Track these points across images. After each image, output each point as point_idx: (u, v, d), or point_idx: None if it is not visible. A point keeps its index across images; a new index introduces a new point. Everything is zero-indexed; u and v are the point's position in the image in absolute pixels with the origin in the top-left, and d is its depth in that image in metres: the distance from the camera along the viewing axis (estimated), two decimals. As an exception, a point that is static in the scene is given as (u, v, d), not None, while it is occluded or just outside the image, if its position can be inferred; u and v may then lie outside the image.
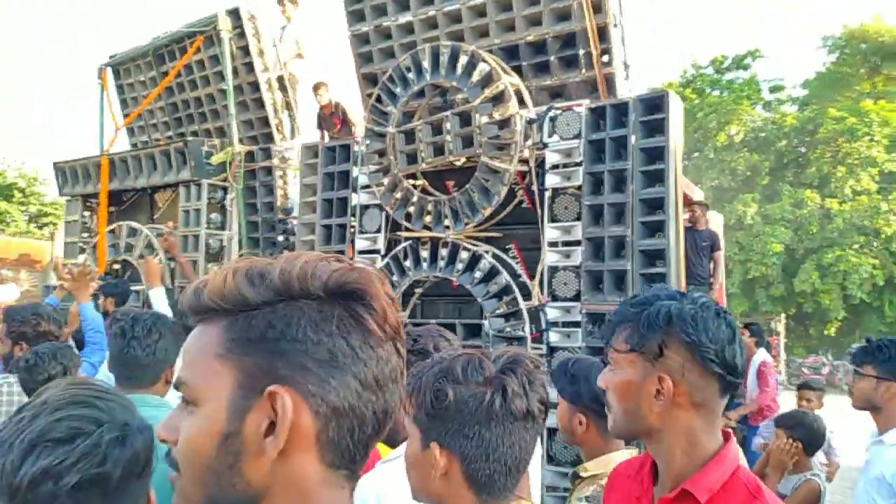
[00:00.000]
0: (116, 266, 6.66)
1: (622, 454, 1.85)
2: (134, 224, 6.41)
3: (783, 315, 20.19)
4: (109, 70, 7.58)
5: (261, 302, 0.70)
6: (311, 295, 0.70)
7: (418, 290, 4.95)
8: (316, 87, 6.91)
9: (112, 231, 6.56)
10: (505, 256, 4.60)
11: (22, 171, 26.20)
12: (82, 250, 6.98)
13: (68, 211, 7.24)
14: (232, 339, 0.70)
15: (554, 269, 4.36)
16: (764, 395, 6.16)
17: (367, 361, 0.71)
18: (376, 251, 5.14)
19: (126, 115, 7.57)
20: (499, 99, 4.43)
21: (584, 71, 4.71)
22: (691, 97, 25.30)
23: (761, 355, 6.44)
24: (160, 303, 4.07)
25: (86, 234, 7.15)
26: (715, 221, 7.75)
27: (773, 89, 27.49)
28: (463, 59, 4.55)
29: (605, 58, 4.71)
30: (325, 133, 7.22)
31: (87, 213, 7.20)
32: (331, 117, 7.13)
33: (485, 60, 4.47)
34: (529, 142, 4.48)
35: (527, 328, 4.26)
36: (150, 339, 1.96)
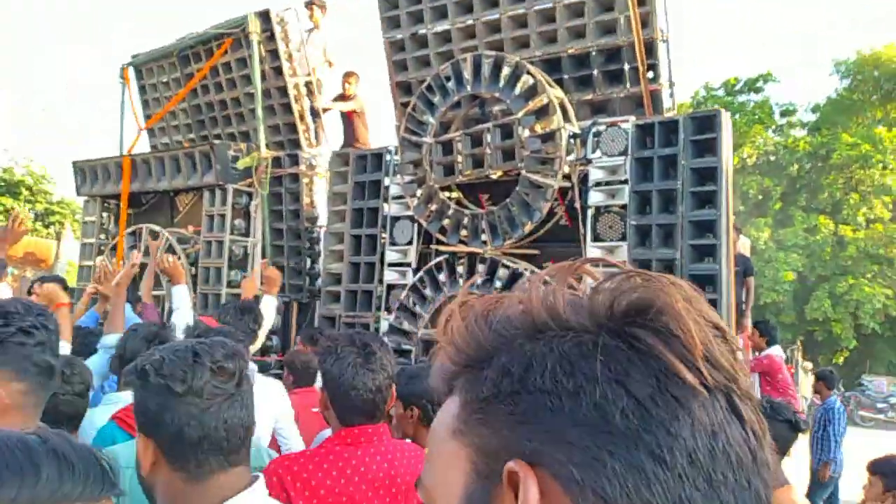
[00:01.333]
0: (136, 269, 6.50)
1: None
2: (155, 227, 6.26)
3: (799, 342, 19.89)
4: (131, 69, 7.48)
5: (497, 345, 0.48)
6: (567, 325, 0.47)
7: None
8: (348, 75, 6.79)
9: (133, 233, 6.41)
10: (543, 275, 4.44)
11: (30, 169, 26.15)
12: (100, 252, 6.83)
13: (86, 211, 7.11)
14: (466, 404, 0.49)
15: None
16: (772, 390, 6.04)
17: (669, 425, 0.43)
18: (407, 264, 5.00)
19: (147, 116, 7.44)
20: (543, 112, 4.30)
21: (628, 86, 4.58)
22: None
23: (771, 351, 6.38)
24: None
25: (103, 236, 7.00)
26: (744, 245, 7.61)
27: (785, 113, 27.39)
28: (506, 70, 4.42)
29: (651, 74, 4.58)
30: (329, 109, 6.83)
31: (104, 214, 7.06)
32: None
33: (529, 72, 4.34)
34: (572, 157, 4.34)
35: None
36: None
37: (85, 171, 6.98)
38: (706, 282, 3.93)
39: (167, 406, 1.18)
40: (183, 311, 3.25)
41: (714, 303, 3.86)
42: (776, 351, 6.66)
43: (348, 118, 7.04)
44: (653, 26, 4.43)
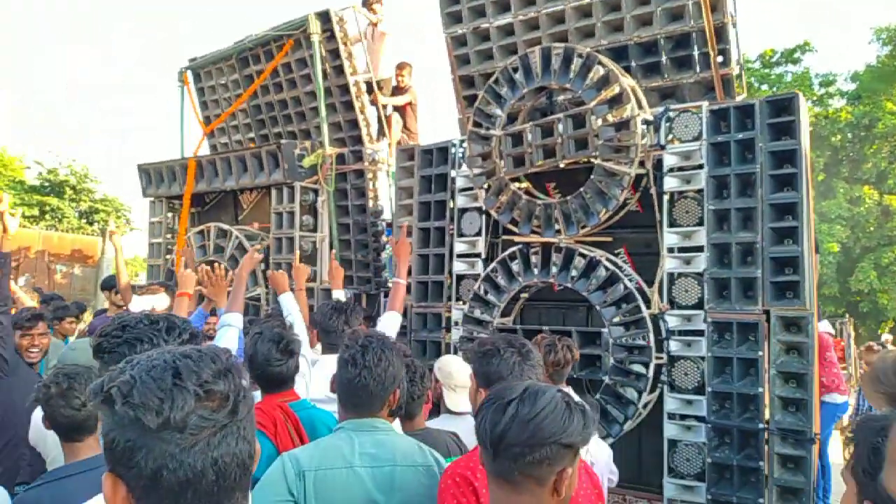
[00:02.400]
0: (206, 266, 6.70)
1: None
2: (223, 225, 6.45)
3: (849, 317, 19.52)
4: (190, 73, 7.66)
5: None
6: None
7: (524, 296, 4.88)
8: (401, 67, 6.92)
9: (200, 232, 6.61)
10: (619, 262, 4.50)
11: (73, 168, 26.80)
12: (168, 251, 7.06)
13: (152, 212, 7.33)
14: None
15: (672, 276, 4.26)
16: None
17: None
18: (476, 255, 5.09)
19: (206, 118, 7.63)
20: (616, 100, 4.34)
21: (698, 71, 4.59)
22: (738, 92, 24.76)
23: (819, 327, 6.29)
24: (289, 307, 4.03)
25: (169, 235, 7.22)
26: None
27: (824, 83, 26.81)
28: (577, 62, 4.46)
29: (720, 58, 4.59)
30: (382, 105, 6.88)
31: (170, 215, 7.28)
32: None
33: (600, 62, 4.38)
34: (645, 142, 4.37)
35: (650, 337, 4.16)
36: (381, 367, 1.93)
37: (150, 174, 7.20)
38: (787, 264, 3.96)
39: (139, 443, 0.92)
40: (293, 318, 3.41)
41: (796, 285, 3.89)
42: (824, 327, 6.56)
43: (402, 110, 7.15)
44: (723, 10, 4.43)
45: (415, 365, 2.66)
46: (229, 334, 3.21)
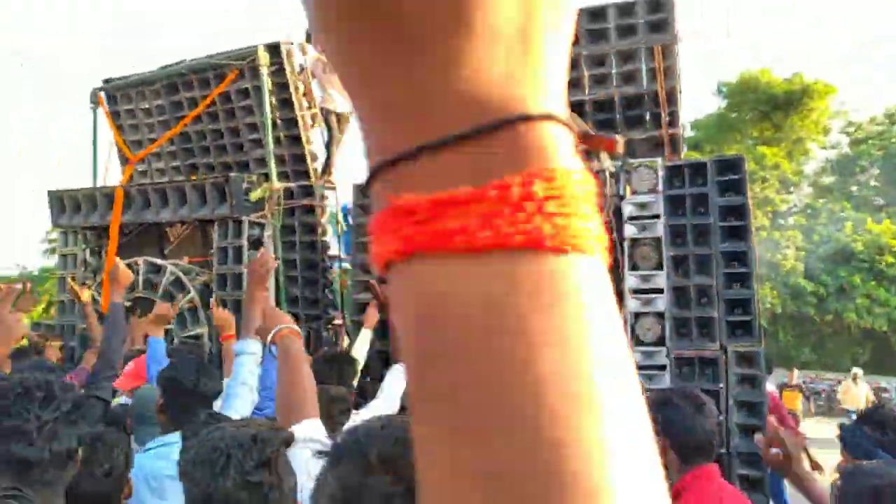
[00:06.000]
0: (127, 303, 6.28)
1: None
2: (155, 259, 6.10)
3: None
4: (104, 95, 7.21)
5: None
6: None
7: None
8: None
9: (127, 266, 6.19)
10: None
11: None
12: (85, 284, 6.53)
13: (64, 243, 6.77)
14: None
15: (635, 316, 4.64)
16: None
17: None
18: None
19: (126, 143, 7.19)
20: (584, 153, 4.68)
21: (649, 129, 5.08)
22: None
23: None
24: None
25: (83, 269, 6.70)
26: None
27: (673, 130, 29.66)
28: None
29: (668, 119, 5.11)
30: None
31: (83, 247, 6.76)
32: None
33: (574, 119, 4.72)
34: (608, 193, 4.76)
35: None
36: None
37: (63, 202, 6.65)
38: (738, 305, 4.47)
39: None
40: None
41: (748, 324, 4.40)
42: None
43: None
44: (673, 76, 4.95)
45: None
46: (248, 365, 2.98)
